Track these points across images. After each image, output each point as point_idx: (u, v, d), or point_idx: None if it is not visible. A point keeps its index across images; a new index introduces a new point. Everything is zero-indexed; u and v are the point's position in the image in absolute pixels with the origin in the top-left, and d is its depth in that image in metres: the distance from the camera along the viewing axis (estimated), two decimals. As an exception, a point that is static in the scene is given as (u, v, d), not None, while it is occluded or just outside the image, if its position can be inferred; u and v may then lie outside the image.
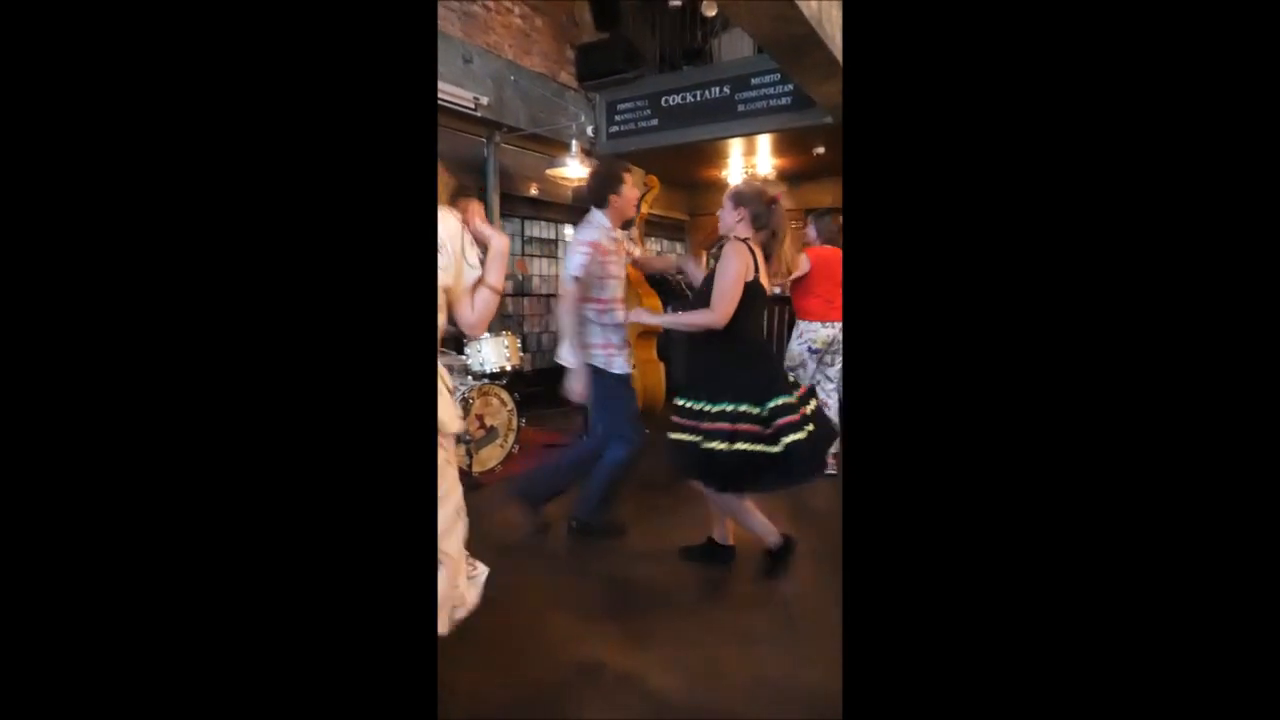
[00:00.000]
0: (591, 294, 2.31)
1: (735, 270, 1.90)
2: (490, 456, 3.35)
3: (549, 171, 4.61)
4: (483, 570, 1.51)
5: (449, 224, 1.29)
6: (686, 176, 6.81)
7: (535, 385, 4.94)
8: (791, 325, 3.40)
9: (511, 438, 3.47)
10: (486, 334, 3.52)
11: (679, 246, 7.93)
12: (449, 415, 1.28)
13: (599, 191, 2.36)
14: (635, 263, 2.62)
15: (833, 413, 3.13)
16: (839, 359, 3.19)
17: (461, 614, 1.41)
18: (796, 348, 3.29)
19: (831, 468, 3.04)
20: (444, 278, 1.27)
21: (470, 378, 3.32)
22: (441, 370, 1.29)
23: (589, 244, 2.28)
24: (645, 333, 4.46)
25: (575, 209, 5.68)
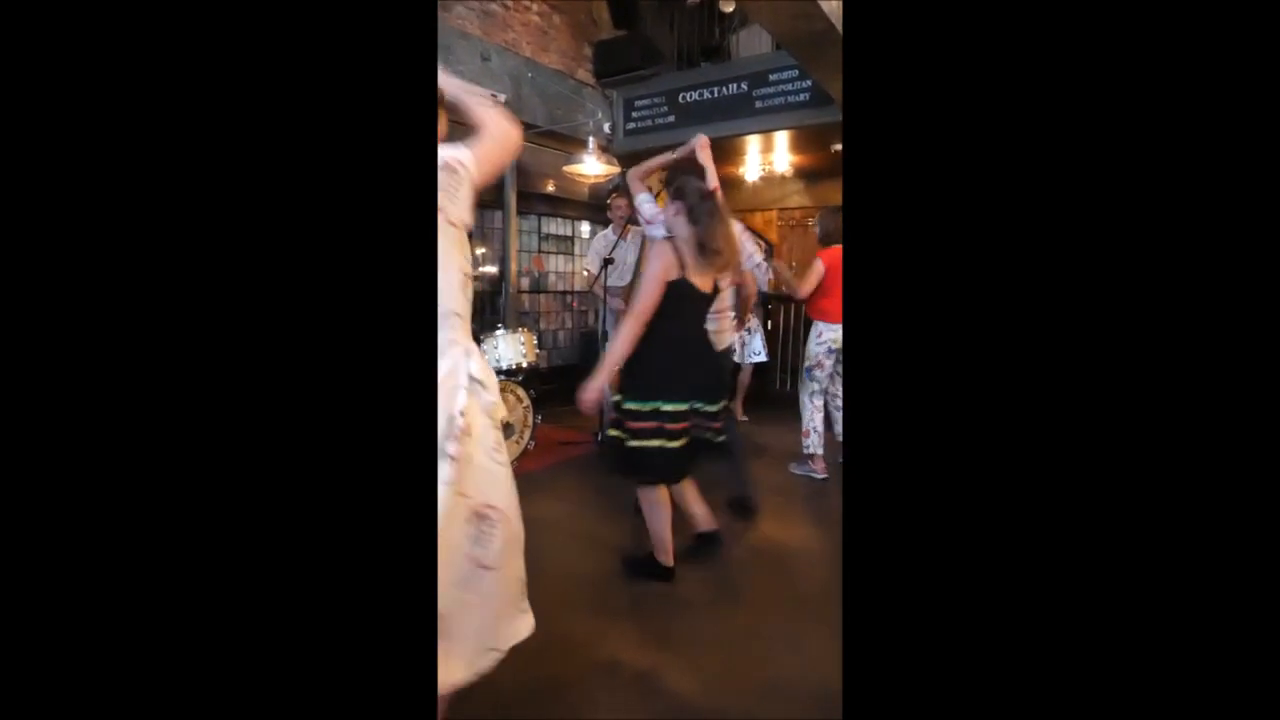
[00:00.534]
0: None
1: (653, 271, 1.95)
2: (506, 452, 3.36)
3: (566, 168, 4.61)
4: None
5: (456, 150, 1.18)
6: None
7: (551, 383, 4.96)
8: (805, 326, 3.38)
9: (527, 434, 3.48)
10: (502, 330, 3.55)
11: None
12: (497, 401, 1.23)
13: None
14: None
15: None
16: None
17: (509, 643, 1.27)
18: (815, 349, 3.28)
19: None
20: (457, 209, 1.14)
21: (486, 374, 3.33)
22: (484, 361, 1.24)
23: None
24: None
25: (592, 206, 5.69)
